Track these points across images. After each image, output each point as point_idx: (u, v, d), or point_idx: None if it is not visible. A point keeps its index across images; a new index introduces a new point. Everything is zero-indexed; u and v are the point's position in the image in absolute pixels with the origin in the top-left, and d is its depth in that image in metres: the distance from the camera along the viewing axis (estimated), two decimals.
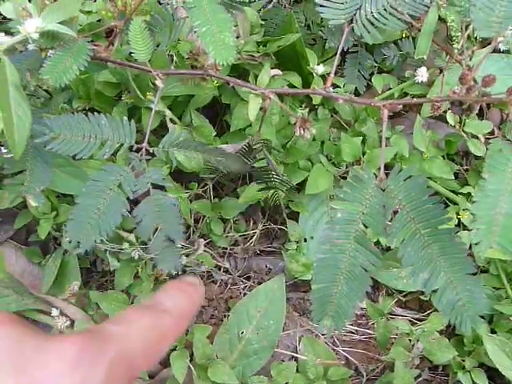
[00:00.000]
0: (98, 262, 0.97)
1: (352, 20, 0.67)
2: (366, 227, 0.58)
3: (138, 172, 0.86)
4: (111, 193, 0.67)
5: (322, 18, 0.99)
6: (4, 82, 0.59)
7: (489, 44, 0.94)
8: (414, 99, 0.70)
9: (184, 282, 0.45)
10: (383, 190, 0.57)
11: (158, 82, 0.71)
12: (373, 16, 0.66)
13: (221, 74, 0.75)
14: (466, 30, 0.80)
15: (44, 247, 0.98)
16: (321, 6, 0.66)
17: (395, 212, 0.56)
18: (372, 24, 0.66)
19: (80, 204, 0.66)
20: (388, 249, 1.01)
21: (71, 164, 0.76)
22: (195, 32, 0.64)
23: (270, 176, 0.81)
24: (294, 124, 0.71)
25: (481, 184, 0.48)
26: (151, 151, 0.72)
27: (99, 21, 0.91)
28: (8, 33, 0.65)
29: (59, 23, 0.65)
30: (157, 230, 0.95)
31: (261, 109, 0.77)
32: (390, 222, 0.56)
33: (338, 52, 0.68)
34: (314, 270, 0.56)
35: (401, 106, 0.60)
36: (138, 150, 0.73)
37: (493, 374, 0.95)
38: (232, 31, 0.64)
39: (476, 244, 0.47)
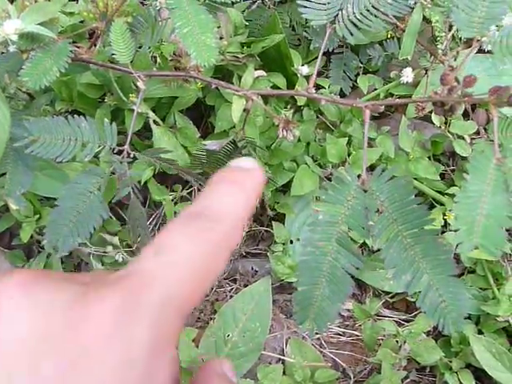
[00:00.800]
0: (82, 265, 0.97)
1: (334, 21, 0.67)
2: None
3: (119, 174, 0.85)
4: (91, 196, 0.66)
5: (306, 19, 0.98)
6: None
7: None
8: (397, 100, 0.69)
9: (234, 170, 0.34)
10: (365, 192, 0.56)
11: (140, 84, 0.70)
12: (355, 17, 0.65)
13: (204, 75, 0.74)
14: (451, 30, 0.80)
15: (27, 251, 0.97)
16: (303, 6, 0.66)
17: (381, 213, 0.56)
18: (354, 25, 0.66)
19: (59, 206, 0.66)
20: (376, 250, 1.00)
21: (53, 167, 0.75)
22: (177, 33, 0.64)
23: None
24: (278, 125, 0.71)
25: (462, 185, 0.48)
26: (132, 155, 0.71)
27: (82, 22, 0.90)
28: None
29: (39, 24, 0.64)
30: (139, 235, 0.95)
31: (244, 110, 0.77)
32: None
33: (321, 53, 0.67)
34: (297, 273, 0.56)
35: (383, 107, 0.60)
36: (120, 153, 0.72)
37: (480, 374, 0.95)
38: (214, 32, 0.64)
39: (458, 245, 0.46)
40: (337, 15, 0.66)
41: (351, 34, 0.66)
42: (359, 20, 0.65)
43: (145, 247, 0.29)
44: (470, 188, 0.48)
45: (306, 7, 0.66)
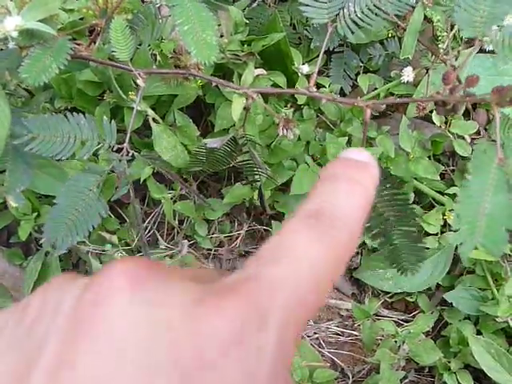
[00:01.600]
0: (80, 264, 0.96)
1: (335, 19, 0.66)
2: None
3: (119, 172, 0.85)
4: (90, 194, 0.66)
5: (307, 18, 0.98)
6: None
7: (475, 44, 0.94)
8: (398, 99, 0.69)
9: (351, 164, 0.31)
10: None
11: (140, 82, 0.70)
12: (356, 15, 0.65)
13: (204, 73, 0.74)
14: (452, 29, 0.79)
15: (25, 248, 0.97)
16: (304, 5, 0.66)
17: None
18: (356, 23, 0.65)
19: (58, 204, 0.65)
20: (374, 250, 1.00)
21: (52, 165, 0.75)
22: (178, 31, 0.64)
23: (254, 170, 0.81)
24: (278, 124, 0.71)
25: (464, 184, 0.48)
26: (131, 153, 0.71)
27: (82, 19, 0.90)
28: None
29: (39, 21, 0.64)
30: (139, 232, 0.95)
31: (244, 108, 0.77)
32: None
33: (322, 51, 0.67)
34: None
35: (384, 106, 0.59)
36: (120, 151, 0.72)
37: (478, 375, 0.95)
38: (215, 30, 0.63)
39: (459, 244, 0.46)
40: (338, 14, 0.66)
41: (352, 33, 0.65)
42: (360, 19, 0.65)
43: (263, 248, 0.26)
44: (472, 187, 0.48)
45: (307, 5, 0.65)
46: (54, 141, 0.66)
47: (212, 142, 0.75)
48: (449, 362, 0.94)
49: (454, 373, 0.93)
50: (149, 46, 0.78)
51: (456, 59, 0.86)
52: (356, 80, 0.97)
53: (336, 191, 0.29)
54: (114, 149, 0.69)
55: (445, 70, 0.85)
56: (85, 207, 0.65)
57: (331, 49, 0.96)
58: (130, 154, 0.70)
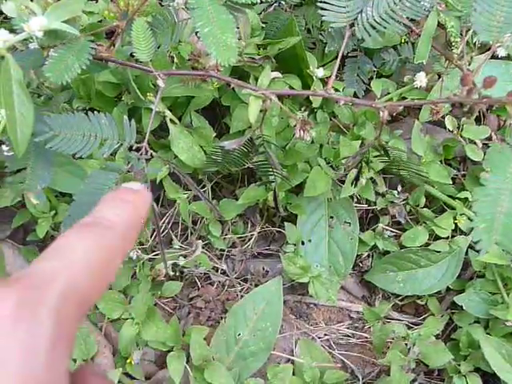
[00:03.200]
0: None
1: (353, 23, 0.68)
2: None
3: (136, 171, 0.86)
4: (109, 191, 0.67)
5: (322, 22, 0.99)
6: (8, 79, 0.59)
7: (487, 50, 0.95)
8: (415, 101, 0.70)
9: (125, 190, 0.41)
10: None
11: (160, 82, 0.71)
12: (374, 20, 0.66)
13: (221, 75, 0.75)
14: (466, 35, 0.80)
15: (42, 247, 0.98)
16: (323, 9, 0.67)
17: None
18: (373, 27, 0.67)
19: (77, 201, 0.67)
20: (385, 252, 1.01)
21: (71, 163, 0.76)
22: (197, 33, 0.65)
23: (269, 171, 0.82)
24: (294, 126, 0.72)
25: (482, 183, 0.49)
26: (149, 153, 0.72)
27: (100, 21, 0.91)
28: (11, 31, 0.65)
29: (62, 22, 0.65)
30: (155, 231, 0.96)
31: (261, 111, 0.78)
32: None
33: (340, 54, 0.68)
34: None
35: (401, 108, 0.61)
36: (137, 150, 0.73)
37: (488, 379, 0.96)
38: (234, 32, 0.64)
39: (476, 243, 0.47)
40: (356, 18, 0.67)
41: (370, 36, 0.67)
42: (378, 23, 0.66)
43: (44, 251, 0.33)
44: (490, 186, 0.49)
45: (326, 10, 0.67)
46: (76, 139, 0.67)
47: (230, 144, 0.76)
48: (459, 365, 0.94)
49: (464, 376, 0.94)
50: (167, 48, 0.79)
51: (469, 64, 0.87)
52: (369, 85, 0.98)
53: (109, 206, 0.37)
54: (133, 148, 0.71)
55: (459, 76, 0.86)
56: None
57: (345, 53, 0.98)
58: (149, 154, 0.71)
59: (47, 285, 0.29)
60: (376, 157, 0.75)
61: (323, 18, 0.67)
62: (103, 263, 0.33)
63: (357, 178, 0.84)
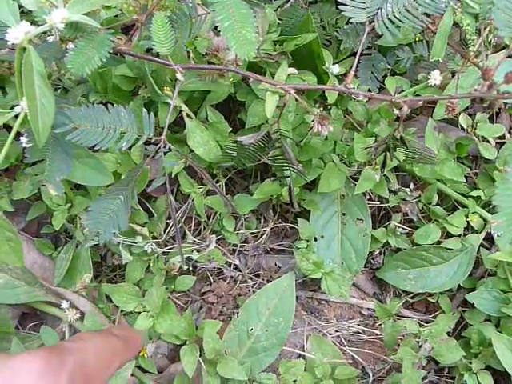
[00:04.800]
0: (108, 256, 0.98)
1: (373, 19, 0.68)
2: None
3: (152, 165, 0.87)
4: (130, 186, 0.68)
5: (337, 19, 1.00)
6: (30, 70, 0.60)
7: (502, 49, 0.96)
8: (435, 96, 0.70)
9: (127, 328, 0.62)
10: None
11: (179, 76, 0.71)
12: (394, 16, 0.67)
13: (240, 70, 0.75)
14: (483, 32, 0.81)
15: (55, 239, 0.99)
16: (343, 4, 0.67)
17: None
18: (393, 23, 0.67)
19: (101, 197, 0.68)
20: (397, 250, 1.01)
21: (89, 155, 0.76)
22: (216, 27, 0.65)
23: (285, 166, 0.82)
24: (312, 121, 0.72)
25: (502, 177, 0.49)
26: (169, 146, 0.73)
27: (116, 16, 0.92)
28: (33, 23, 0.65)
29: (83, 15, 0.66)
30: (168, 225, 0.96)
31: (277, 107, 0.78)
32: None
33: (359, 50, 0.69)
34: None
35: (421, 103, 0.61)
36: (154, 143, 0.74)
37: (498, 377, 0.96)
38: (253, 27, 0.65)
39: (498, 236, 0.47)
40: (375, 14, 0.67)
41: (389, 32, 0.67)
42: (398, 19, 0.66)
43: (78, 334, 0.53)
44: (511, 180, 0.49)
45: (346, 5, 0.67)
46: (95, 131, 0.68)
47: (247, 139, 0.76)
48: (470, 363, 0.94)
49: (475, 373, 0.94)
50: (185, 42, 0.79)
51: (483, 63, 0.87)
52: (383, 82, 0.98)
53: (115, 328, 0.70)
54: (152, 141, 0.71)
55: (474, 74, 0.86)
56: (125, 199, 0.67)
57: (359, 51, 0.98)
58: (168, 147, 0.72)
59: (67, 355, 0.41)
60: (395, 147, 0.76)
61: (343, 13, 0.67)
62: (107, 355, 0.47)
63: (383, 165, 0.84)
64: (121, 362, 0.52)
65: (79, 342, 0.46)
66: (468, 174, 1.02)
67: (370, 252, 1.01)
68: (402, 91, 0.99)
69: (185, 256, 0.92)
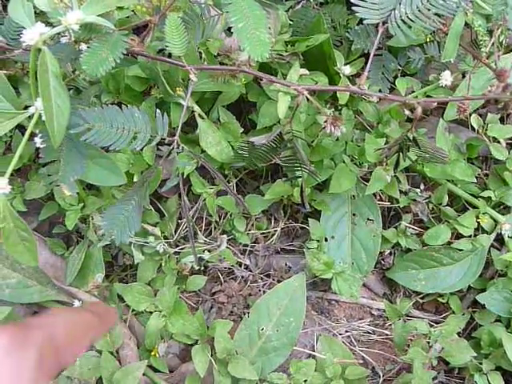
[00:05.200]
0: (119, 256, 0.98)
1: (386, 20, 0.68)
2: None
3: (165, 166, 0.87)
4: (143, 188, 0.68)
5: (348, 20, 1.00)
6: (45, 71, 0.60)
7: None
8: (450, 97, 0.71)
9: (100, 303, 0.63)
10: None
11: (192, 77, 0.72)
12: (407, 17, 0.67)
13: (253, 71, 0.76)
14: (496, 33, 0.81)
15: (66, 239, 0.99)
16: (357, 5, 0.67)
17: None
18: (405, 24, 0.67)
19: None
20: (408, 250, 1.01)
21: (102, 155, 0.77)
22: (229, 29, 0.66)
23: (296, 166, 0.83)
24: (325, 122, 0.72)
25: None
26: (182, 147, 0.73)
27: (128, 17, 0.92)
28: (47, 24, 0.66)
29: (98, 16, 0.66)
30: (179, 225, 0.97)
31: (289, 107, 0.78)
32: None
33: (373, 51, 0.69)
34: None
35: (435, 104, 0.61)
36: (167, 145, 0.74)
37: (509, 378, 0.96)
38: (267, 28, 0.65)
39: (510, 237, 0.47)
40: (389, 15, 0.68)
41: (402, 33, 0.67)
42: (411, 20, 0.67)
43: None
44: None
45: (360, 6, 0.67)
46: (110, 132, 0.68)
47: (259, 139, 0.76)
48: (480, 364, 0.94)
49: (485, 374, 0.94)
50: (198, 42, 0.80)
51: (495, 64, 0.87)
52: (393, 83, 0.99)
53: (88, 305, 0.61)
54: (165, 141, 0.71)
55: (485, 75, 0.86)
56: (138, 201, 0.68)
57: (370, 51, 0.98)
58: (181, 148, 0.72)
59: (35, 330, 0.39)
60: (408, 148, 0.76)
61: (357, 14, 0.68)
62: (78, 330, 0.45)
63: (397, 165, 0.85)
64: (93, 337, 0.51)
65: (49, 317, 0.44)
66: (478, 174, 1.02)
67: (380, 252, 1.01)
68: (413, 92, 0.99)
69: (197, 256, 0.92)
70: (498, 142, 0.98)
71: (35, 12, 0.68)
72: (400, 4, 0.67)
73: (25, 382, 0.36)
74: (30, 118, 0.67)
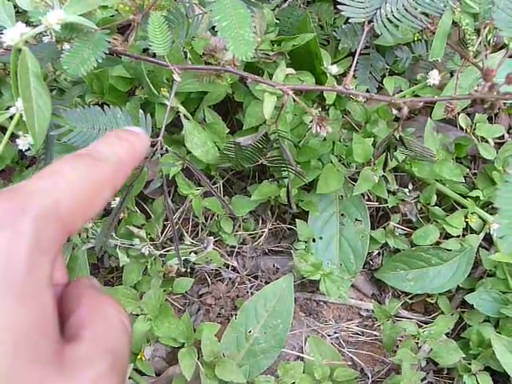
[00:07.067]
0: (105, 258, 0.97)
1: (372, 19, 0.67)
2: None
3: (150, 167, 0.86)
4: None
5: (335, 19, 0.99)
6: (25, 71, 0.59)
7: (501, 49, 0.95)
8: (436, 97, 0.70)
9: (124, 130, 0.42)
10: None
11: (176, 77, 0.71)
12: (393, 15, 0.66)
13: (238, 70, 0.75)
14: (483, 32, 0.80)
15: None
16: (342, 4, 0.67)
17: None
18: (392, 23, 0.66)
19: None
20: (396, 250, 1.01)
21: None
22: (213, 27, 0.65)
23: (283, 166, 0.82)
24: (310, 122, 0.71)
25: (505, 179, 0.48)
26: (166, 148, 0.72)
27: (112, 16, 0.91)
28: (28, 23, 0.64)
29: (79, 15, 0.65)
30: (165, 227, 0.96)
31: (275, 107, 0.78)
32: None
33: (358, 50, 0.68)
34: None
35: (421, 104, 0.60)
36: (151, 145, 0.73)
37: (497, 378, 0.96)
38: (251, 27, 0.64)
39: (500, 238, 0.47)
40: (375, 14, 0.67)
41: (388, 32, 0.66)
42: (397, 19, 0.66)
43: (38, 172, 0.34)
44: None
45: (345, 5, 0.66)
46: (91, 133, 0.67)
47: (245, 140, 0.75)
48: (469, 364, 0.94)
49: (474, 374, 0.93)
50: (181, 42, 0.79)
51: (483, 63, 0.87)
52: (381, 82, 0.98)
53: (105, 141, 0.39)
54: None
55: (473, 74, 0.86)
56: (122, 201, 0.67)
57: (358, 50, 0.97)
58: (165, 149, 0.71)
59: (31, 199, 0.31)
60: (395, 148, 0.75)
61: (342, 13, 0.67)
62: (90, 191, 0.34)
63: (385, 165, 0.84)
64: (110, 194, 0.38)
65: (49, 177, 0.33)
66: (467, 174, 1.02)
67: (368, 253, 1.00)
68: (401, 91, 0.98)
69: (182, 258, 0.91)
70: (487, 141, 0.97)
71: (17, 11, 0.67)
72: (386, 3, 0.66)
73: (19, 263, 0.28)
74: (12, 118, 0.66)
